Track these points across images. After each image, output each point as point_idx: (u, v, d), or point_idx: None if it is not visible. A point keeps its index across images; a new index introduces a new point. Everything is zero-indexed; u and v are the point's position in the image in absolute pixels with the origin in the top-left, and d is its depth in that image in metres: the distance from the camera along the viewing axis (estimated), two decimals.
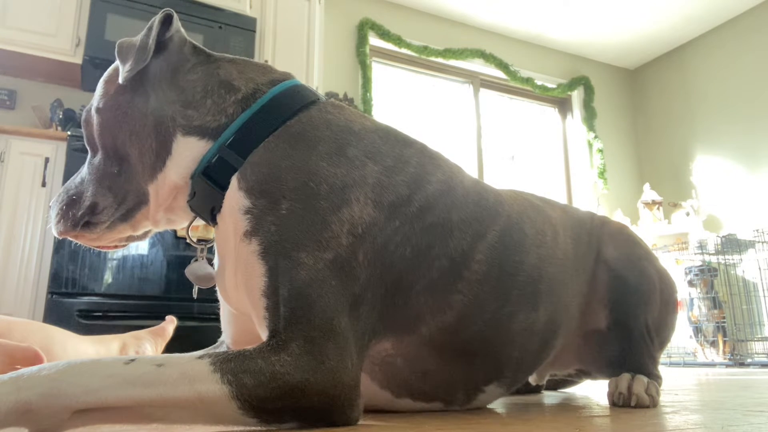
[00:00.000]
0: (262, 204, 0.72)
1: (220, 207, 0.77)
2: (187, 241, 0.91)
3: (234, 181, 0.76)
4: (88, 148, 0.89)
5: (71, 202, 0.84)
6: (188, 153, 0.79)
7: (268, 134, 0.77)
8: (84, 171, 0.87)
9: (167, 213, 0.85)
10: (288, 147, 0.75)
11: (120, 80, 0.80)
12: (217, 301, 0.90)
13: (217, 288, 0.88)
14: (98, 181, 0.84)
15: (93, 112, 0.85)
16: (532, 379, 1.18)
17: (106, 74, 0.88)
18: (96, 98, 0.86)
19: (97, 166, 0.84)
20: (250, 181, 0.74)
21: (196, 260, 0.90)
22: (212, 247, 0.89)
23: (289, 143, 0.76)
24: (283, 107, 0.80)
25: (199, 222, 0.87)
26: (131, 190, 0.83)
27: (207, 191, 0.78)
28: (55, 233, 0.86)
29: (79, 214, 0.83)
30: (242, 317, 0.81)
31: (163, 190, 0.82)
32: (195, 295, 0.98)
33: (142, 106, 0.81)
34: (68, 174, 2.47)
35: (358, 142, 0.79)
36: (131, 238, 0.89)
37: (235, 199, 0.74)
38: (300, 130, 0.77)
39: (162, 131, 0.80)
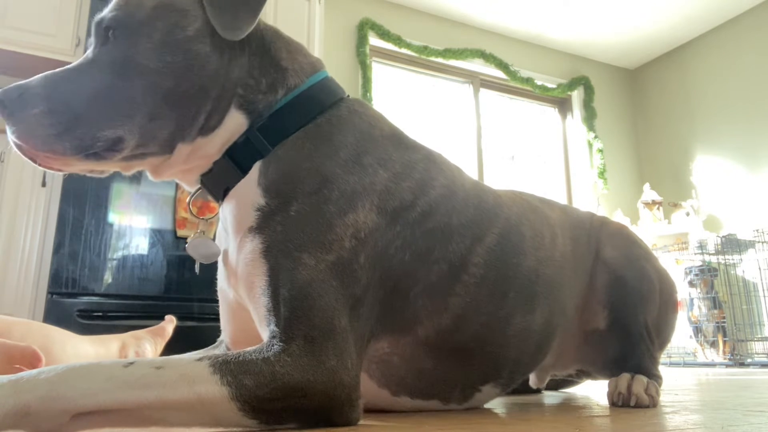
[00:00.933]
0: (273, 204, 0.72)
1: (233, 188, 0.77)
2: (189, 213, 0.89)
3: (256, 171, 0.76)
4: (104, 61, 0.71)
5: (76, 121, 0.68)
6: (232, 128, 0.77)
7: (299, 127, 0.78)
8: (91, 81, 0.71)
9: (178, 173, 0.81)
10: (313, 148, 0.76)
11: (229, 35, 0.71)
12: (217, 301, 0.90)
13: (216, 279, 0.88)
14: (127, 113, 0.70)
15: (155, 40, 0.72)
16: (532, 383, 1.19)
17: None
18: (164, 27, 0.72)
19: (126, 92, 0.70)
20: (269, 179, 0.74)
21: (197, 236, 0.87)
22: (210, 222, 0.88)
23: (314, 144, 0.76)
24: (316, 100, 0.81)
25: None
26: (159, 138, 0.73)
27: (227, 171, 0.78)
28: (31, 146, 0.67)
29: (97, 144, 0.69)
30: (242, 314, 0.82)
31: (195, 155, 0.78)
32: (198, 271, 0.93)
33: (216, 64, 0.74)
34: (68, 174, 2.47)
35: (374, 149, 0.80)
36: (103, 172, 0.78)
37: (251, 192, 0.75)
38: (328, 132, 0.78)
39: (224, 98, 0.76)
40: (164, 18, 0.73)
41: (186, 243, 0.89)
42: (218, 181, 0.79)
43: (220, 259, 0.85)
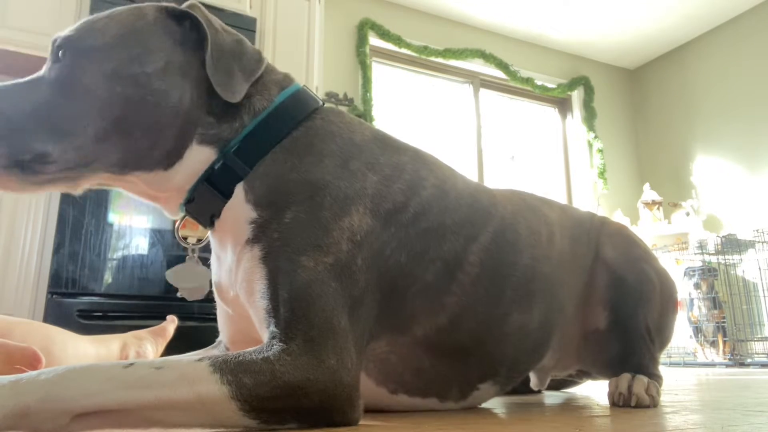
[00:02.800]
0: (267, 215, 0.72)
1: (219, 213, 0.77)
2: (179, 240, 0.87)
3: (240, 192, 0.75)
4: (50, 79, 0.71)
5: (9, 132, 0.67)
6: (198, 160, 0.76)
7: (275, 144, 0.77)
8: (33, 96, 0.70)
9: (146, 196, 0.81)
10: (296, 160, 0.76)
11: (228, 97, 0.73)
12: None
13: (213, 288, 0.88)
14: (62, 130, 0.69)
15: (105, 68, 0.71)
16: (533, 384, 1.19)
17: (129, 26, 0.74)
18: (121, 58, 0.72)
19: (65, 111, 0.70)
20: (257, 194, 0.74)
21: (185, 261, 0.85)
22: (202, 246, 0.87)
23: (297, 156, 0.76)
24: (289, 116, 0.80)
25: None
26: (109, 160, 0.72)
27: (209, 198, 0.77)
28: None
29: (23, 155, 0.68)
30: (239, 318, 0.82)
31: (157, 185, 0.77)
32: (190, 297, 0.90)
33: (174, 102, 0.73)
34: None
35: (360, 154, 0.80)
36: (75, 187, 0.76)
37: (241, 211, 0.74)
38: (308, 143, 0.78)
39: (182, 135, 0.75)
40: (124, 49, 0.72)
41: (186, 250, 0.87)
42: (203, 209, 0.78)
43: (213, 265, 0.85)
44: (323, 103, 0.87)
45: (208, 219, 0.79)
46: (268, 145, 0.77)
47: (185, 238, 0.87)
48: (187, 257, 0.86)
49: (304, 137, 0.79)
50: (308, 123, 0.81)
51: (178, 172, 0.76)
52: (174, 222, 0.87)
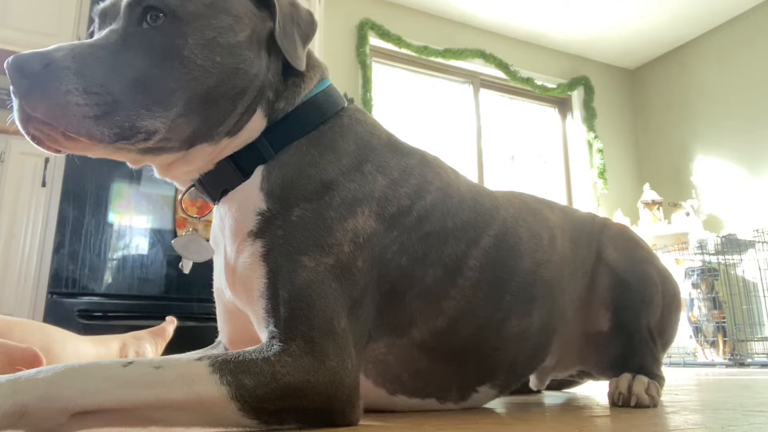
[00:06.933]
0: (275, 208, 0.73)
1: (231, 189, 0.77)
2: (181, 211, 0.88)
3: (258, 175, 0.76)
4: (140, 45, 0.66)
5: (114, 105, 0.62)
6: (251, 130, 0.77)
7: (304, 135, 0.79)
8: (128, 64, 0.65)
9: (186, 173, 0.79)
10: (317, 155, 0.77)
11: (298, 66, 0.76)
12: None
13: (213, 280, 0.87)
14: (165, 104, 0.65)
15: (207, 37, 0.69)
16: (533, 384, 1.19)
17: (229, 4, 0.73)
18: (218, 27, 0.70)
19: (165, 82, 0.66)
20: (273, 184, 0.74)
21: (187, 233, 0.85)
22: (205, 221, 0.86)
23: (318, 151, 0.77)
24: (321, 110, 0.82)
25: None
26: (182, 135, 0.70)
27: (228, 173, 0.77)
28: (63, 127, 0.60)
29: (137, 134, 0.64)
30: (239, 316, 0.82)
31: (216, 155, 0.76)
32: (184, 269, 0.89)
33: (256, 69, 0.74)
34: (68, 174, 2.47)
35: (374, 158, 0.81)
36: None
37: (252, 196, 0.74)
38: (331, 140, 0.79)
39: (254, 101, 0.76)
40: (218, 18, 0.71)
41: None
42: (217, 182, 0.78)
43: (216, 260, 0.85)
44: (348, 103, 0.89)
45: (219, 194, 0.79)
46: (296, 135, 0.78)
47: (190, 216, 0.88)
48: (193, 230, 0.86)
49: (330, 133, 0.80)
50: (336, 119, 0.82)
51: (238, 140, 0.76)
52: (174, 215, 0.86)
